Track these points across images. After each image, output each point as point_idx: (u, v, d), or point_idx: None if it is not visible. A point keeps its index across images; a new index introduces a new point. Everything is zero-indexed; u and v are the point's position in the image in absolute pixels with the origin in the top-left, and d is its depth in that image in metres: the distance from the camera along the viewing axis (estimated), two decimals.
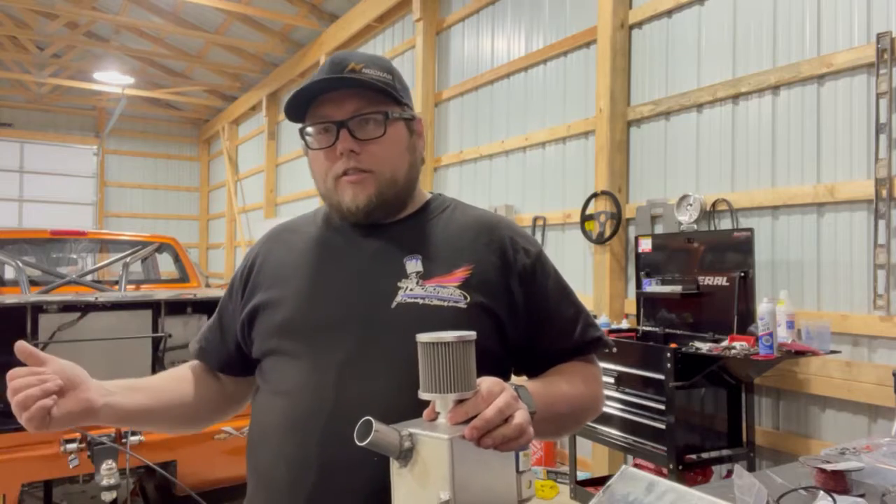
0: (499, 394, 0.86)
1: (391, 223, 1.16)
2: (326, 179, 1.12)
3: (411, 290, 1.08)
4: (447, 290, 1.08)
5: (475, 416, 0.83)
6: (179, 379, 1.22)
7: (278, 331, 1.11)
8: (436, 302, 1.07)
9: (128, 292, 4.19)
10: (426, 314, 1.06)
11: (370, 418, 0.80)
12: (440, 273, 1.10)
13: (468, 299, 1.08)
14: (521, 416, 0.86)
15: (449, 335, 0.83)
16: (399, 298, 1.07)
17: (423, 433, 0.82)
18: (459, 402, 0.84)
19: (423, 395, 0.85)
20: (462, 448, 0.81)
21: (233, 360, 1.24)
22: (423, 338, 0.84)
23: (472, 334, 0.85)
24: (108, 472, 2.42)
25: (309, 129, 1.12)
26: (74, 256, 5.67)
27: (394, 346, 1.03)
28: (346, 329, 1.07)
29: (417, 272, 1.10)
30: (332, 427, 1.00)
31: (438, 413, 0.86)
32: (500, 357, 1.12)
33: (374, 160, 1.10)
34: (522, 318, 1.13)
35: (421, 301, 1.07)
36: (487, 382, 0.87)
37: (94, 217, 12.76)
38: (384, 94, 1.10)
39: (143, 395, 1.12)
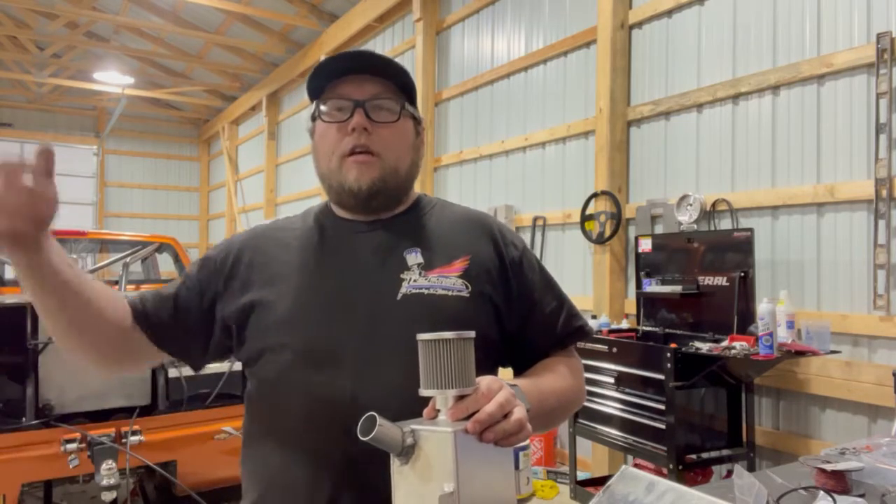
0: (498, 390, 0.88)
1: (386, 219, 1.17)
2: (332, 158, 1.12)
3: (415, 280, 1.09)
4: (450, 280, 1.10)
5: (476, 412, 0.85)
6: (111, 298, 1.13)
7: (279, 327, 1.09)
8: (440, 291, 1.09)
9: (128, 292, 4.18)
10: (432, 303, 1.07)
11: (374, 413, 0.82)
12: (441, 264, 1.12)
13: (470, 288, 1.11)
14: (519, 411, 0.88)
15: (449, 333, 0.85)
16: (404, 290, 1.08)
17: (425, 428, 0.84)
18: (459, 398, 0.86)
19: (424, 392, 0.87)
20: (465, 442, 0.83)
21: (170, 336, 1.16)
22: (423, 336, 0.86)
23: (471, 333, 0.87)
24: (108, 472, 2.42)
25: (324, 106, 1.13)
26: (74, 256, 5.67)
27: (403, 336, 1.02)
28: (354, 322, 1.06)
29: (419, 263, 1.11)
30: (351, 421, 0.98)
31: (439, 411, 0.87)
32: (498, 347, 1.15)
33: (383, 144, 1.11)
34: (515, 307, 1.16)
35: (426, 291, 1.08)
36: (486, 380, 0.89)
37: (94, 217, 12.74)
38: (402, 88, 1.14)
39: (74, 276, 1.05)
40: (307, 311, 1.09)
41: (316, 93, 1.15)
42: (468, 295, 1.10)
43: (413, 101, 1.17)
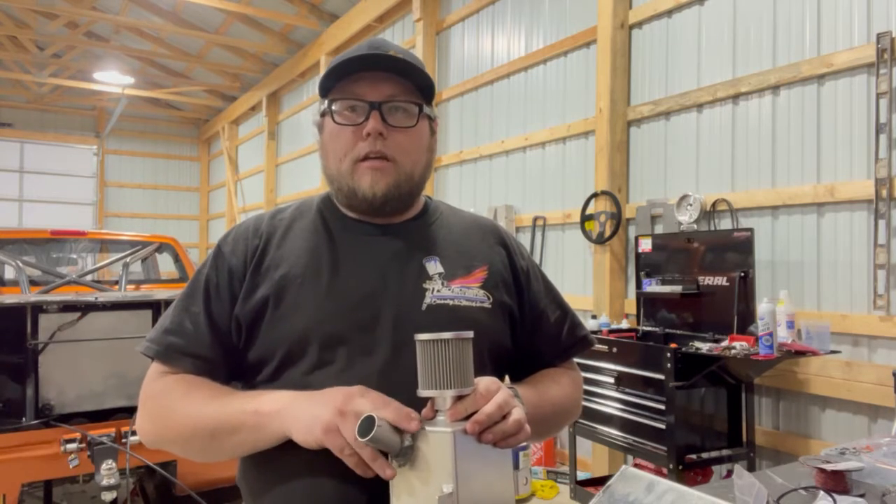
0: (496, 391, 0.88)
1: (399, 223, 1.13)
2: (343, 160, 1.06)
3: (438, 291, 1.07)
4: (472, 291, 1.09)
5: (475, 413, 0.84)
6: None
7: (302, 335, 1.01)
8: (465, 302, 1.07)
9: (128, 292, 4.18)
10: (457, 314, 1.06)
11: (373, 414, 0.82)
12: (461, 274, 1.10)
13: (491, 299, 1.10)
14: (518, 412, 0.88)
15: (447, 333, 0.85)
16: (428, 300, 1.06)
17: (424, 429, 0.84)
18: (458, 399, 0.85)
19: (422, 393, 0.86)
20: (464, 442, 0.83)
21: (219, 359, 1.06)
22: (421, 336, 0.86)
23: (469, 333, 0.87)
24: (108, 472, 2.42)
25: (336, 105, 1.07)
26: (74, 256, 5.67)
27: None
28: (380, 332, 1.01)
29: (440, 273, 1.09)
30: None
31: (437, 411, 0.87)
32: (510, 356, 1.15)
33: (399, 150, 1.06)
34: (526, 317, 1.16)
35: (451, 302, 1.07)
36: (485, 381, 0.89)
37: (94, 217, 12.75)
38: (419, 87, 1.08)
39: None
40: (332, 319, 1.02)
41: (328, 86, 1.08)
42: (490, 306, 1.09)
43: (431, 99, 1.11)
